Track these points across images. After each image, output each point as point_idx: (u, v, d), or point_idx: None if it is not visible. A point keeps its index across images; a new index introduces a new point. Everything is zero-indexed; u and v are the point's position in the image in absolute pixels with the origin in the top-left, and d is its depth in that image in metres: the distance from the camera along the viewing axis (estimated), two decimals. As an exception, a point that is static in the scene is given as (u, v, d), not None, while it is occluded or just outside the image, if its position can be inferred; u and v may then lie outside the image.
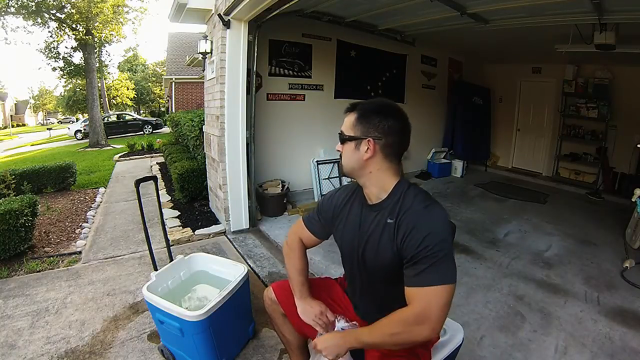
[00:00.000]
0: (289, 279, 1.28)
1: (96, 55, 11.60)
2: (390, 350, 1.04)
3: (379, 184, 1.05)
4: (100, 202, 4.73)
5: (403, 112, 1.05)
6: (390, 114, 1.02)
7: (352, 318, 1.19)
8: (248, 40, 3.28)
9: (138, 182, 1.89)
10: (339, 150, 1.10)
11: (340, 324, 1.11)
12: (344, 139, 1.06)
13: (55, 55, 11.45)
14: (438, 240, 0.92)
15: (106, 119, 15.23)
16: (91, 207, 4.43)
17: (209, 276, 1.99)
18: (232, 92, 3.27)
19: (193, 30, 29.56)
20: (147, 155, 9.05)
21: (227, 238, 3.43)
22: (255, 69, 3.53)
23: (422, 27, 4.46)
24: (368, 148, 1.01)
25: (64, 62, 11.68)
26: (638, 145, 4.62)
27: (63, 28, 10.69)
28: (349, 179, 5.10)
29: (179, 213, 4.06)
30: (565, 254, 3.10)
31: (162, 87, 23.99)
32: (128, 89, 23.80)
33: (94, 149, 11.37)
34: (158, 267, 1.91)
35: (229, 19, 3.10)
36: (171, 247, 2.29)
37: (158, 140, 10.16)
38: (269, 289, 1.33)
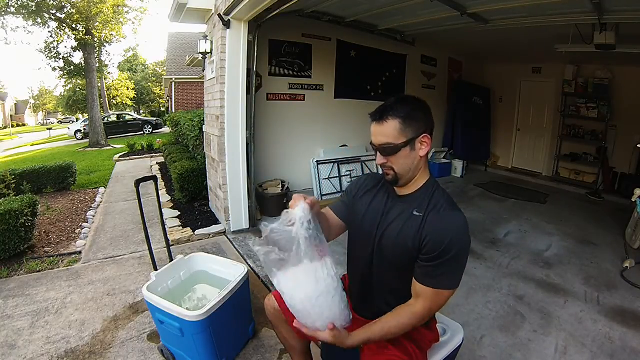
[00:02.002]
0: None
1: (96, 55, 11.58)
2: (383, 350, 1.06)
3: (420, 178, 1.08)
4: (100, 202, 4.72)
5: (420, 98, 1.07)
6: (420, 103, 1.04)
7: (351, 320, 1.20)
8: (248, 40, 3.28)
9: (138, 182, 1.89)
10: (383, 164, 1.05)
11: None
12: (398, 149, 1.00)
13: (55, 55, 11.42)
14: (460, 247, 0.97)
15: (106, 119, 15.21)
16: (91, 207, 4.43)
17: (209, 276, 1.98)
18: (232, 92, 3.27)
19: (193, 30, 29.65)
20: (147, 155, 9.04)
21: (227, 238, 3.43)
22: (255, 69, 3.53)
23: (422, 27, 4.46)
24: (423, 144, 1.03)
25: (64, 62, 11.65)
26: (638, 145, 4.63)
27: (63, 28, 10.68)
28: (349, 179, 5.05)
29: (179, 213, 4.06)
30: (565, 254, 3.10)
31: (162, 87, 23.98)
32: (128, 89, 23.77)
33: (94, 149, 11.36)
34: (158, 267, 1.91)
35: (229, 19, 3.10)
36: (171, 247, 2.29)
37: (158, 140, 10.15)
38: (271, 298, 1.29)
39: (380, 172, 1.12)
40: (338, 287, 0.97)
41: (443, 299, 1.00)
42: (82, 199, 4.84)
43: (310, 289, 0.93)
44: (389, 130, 1.00)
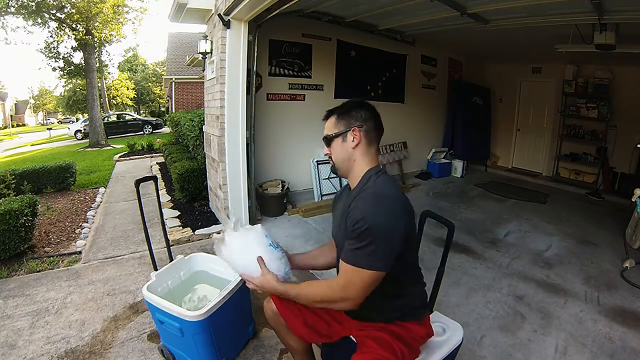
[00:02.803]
0: None
1: (96, 55, 11.58)
2: (370, 349, 1.08)
3: (359, 170, 1.14)
4: (100, 202, 4.73)
5: (369, 102, 1.19)
6: (362, 105, 1.17)
7: (344, 320, 1.24)
8: (248, 40, 3.28)
9: (138, 182, 1.89)
10: (327, 154, 1.20)
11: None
12: (331, 139, 1.16)
13: (55, 55, 11.43)
14: (372, 224, 0.96)
15: (106, 119, 15.22)
16: (91, 207, 4.43)
17: (209, 276, 1.99)
18: (232, 92, 3.27)
19: (193, 30, 29.65)
20: (147, 155, 9.04)
21: (227, 238, 3.42)
22: (255, 69, 3.53)
23: (422, 27, 4.46)
24: (354, 137, 1.13)
25: (64, 62, 11.66)
26: (638, 145, 4.62)
27: (63, 28, 10.68)
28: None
29: (179, 213, 4.06)
30: (565, 254, 3.10)
31: (162, 87, 23.99)
32: (128, 89, 23.80)
33: (94, 149, 11.37)
34: (158, 267, 1.91)
35: (229, 19, 3.10)
36: (171, 247, 2.29)
37: (158, 140, 10.16)
38: (270, 301, 1.31)
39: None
40: (265, 251, 1.24)
41: (361, 278, 0.98)
42: (82, 199, 4.85)
43: (234, 246, 1.25)
44: (328, 125, 1.19)
